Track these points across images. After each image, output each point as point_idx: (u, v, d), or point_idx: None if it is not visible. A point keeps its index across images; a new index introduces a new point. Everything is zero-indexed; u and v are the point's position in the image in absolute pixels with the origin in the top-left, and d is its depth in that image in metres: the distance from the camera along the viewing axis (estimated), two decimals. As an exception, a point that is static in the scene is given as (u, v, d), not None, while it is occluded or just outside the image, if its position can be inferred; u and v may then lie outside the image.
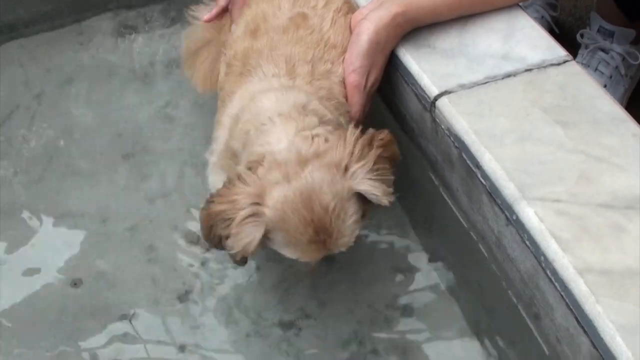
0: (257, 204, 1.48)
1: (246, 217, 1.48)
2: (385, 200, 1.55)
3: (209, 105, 2.32)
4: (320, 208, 1.48)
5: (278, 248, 1.56)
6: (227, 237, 1.51)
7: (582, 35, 2.66)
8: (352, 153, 1.52)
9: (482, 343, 1.81)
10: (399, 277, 1.97)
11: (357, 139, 1.54)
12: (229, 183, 1.55)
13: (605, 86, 2.55)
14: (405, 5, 1.73)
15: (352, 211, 1.52)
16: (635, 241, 1.40)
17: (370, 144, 1.55)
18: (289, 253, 1.55)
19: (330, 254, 1.57)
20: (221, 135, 1.75)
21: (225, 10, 2.01)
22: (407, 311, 1.91)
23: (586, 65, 2.60)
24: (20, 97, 2.44)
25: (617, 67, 2.58)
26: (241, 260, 1.58)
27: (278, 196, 1.48)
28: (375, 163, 1.54)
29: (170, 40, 2.57)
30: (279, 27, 1.76)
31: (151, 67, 2.51)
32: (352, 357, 1.83)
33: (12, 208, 2.14)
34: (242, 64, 1.76)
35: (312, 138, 1.54)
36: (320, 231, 1.49)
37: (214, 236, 1.55)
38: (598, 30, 2.60)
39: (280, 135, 1.55)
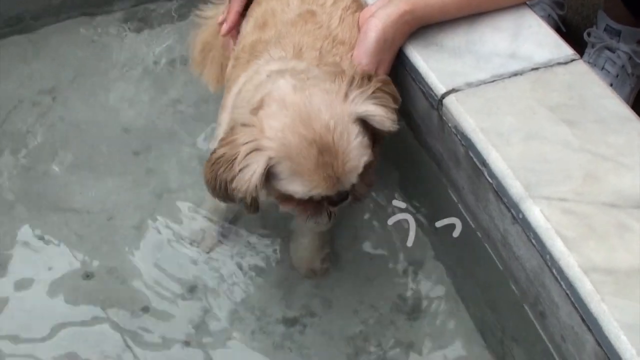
0: (251, 141, 1.45)
1: (248, 153, 1.44)
2: (389, 123, 1.52)
3: (217, 101, 2.32)
4: (321, 127, 1.44)
5: (286, 184, 1.48)
6: (232, 180, 1.46)
7: (589, 34, 2.66)
8: (351, 82, 1.50)
9: (486, 341, 1.82)
10: (405, 275, 1.98)
11: (355, 72, 1.53)
12: (231, 130, 1.52)
13: (611, 85, 2.55)
14: (413, 3, 1.73)
15: (355, 133, 1.48)
16: (640, 240, 1.40)
17: (369, 78, 1.54)
18: (298, 186, 1.48)
19: (342, 188, 1.50)
20: (225, 118, 1.75)
21: (242, 15, 1.98)
22: (413, 309, 1.92)
23: (593, 64, 2.60)
24: (27, 91, 2.44)
25: (623, 66, 2.58)
26: (253, 206, 1.51)
27: (276, 124, 1.45)
28: (375, 92, 1.52)
29: (180, 36, 2.56)
30: (287, 22, 1.77)
31: (160, 63, 2.51)
32: (357, 352, 1.84)
33: (18, 202, 2.15)
34: (249, 54, 1.76)
35: (308, 79, 1.54)
36: (324, 151, 1.44)
37: (219, 187, 1.49)
38: (605, 29, 2.59)
39: (277, 80, 1.53)
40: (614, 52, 2.59)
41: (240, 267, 2.01)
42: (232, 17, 1.95)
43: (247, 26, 1.88)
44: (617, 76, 2.59)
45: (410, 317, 1.91)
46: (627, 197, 1.47)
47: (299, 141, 1.44)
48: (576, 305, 1.38)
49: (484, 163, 1.57)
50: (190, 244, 2.06)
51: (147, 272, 2.00)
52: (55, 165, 2.24)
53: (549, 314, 1.51)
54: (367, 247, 2.03)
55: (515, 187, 1.51)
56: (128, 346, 1.88)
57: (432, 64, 1.74)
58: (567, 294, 1.40)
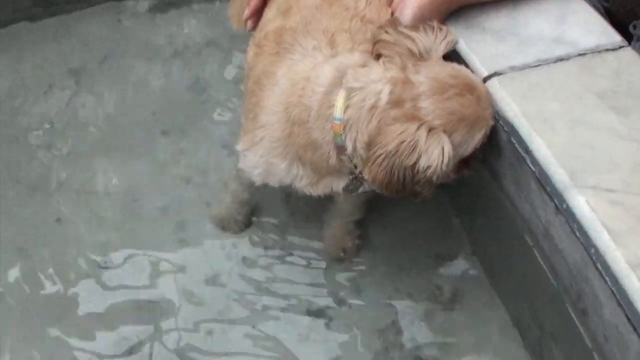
0: (423, 124, 1.47)
1: (428, 134, 1.47)
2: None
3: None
4: (451, 78, 1.52)
5: (467, 144, 1.53)
6: (414, 164, 1.47)
7: (634, 27, 2.57)
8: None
9: (524, 338, 1.79)
10: (441, 265, 1.95)
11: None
12: (382, 127, 1.51)
13: (656, 79, 2.47)
14: None
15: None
16: (693, 235, 1.33)
17: None
18: (478, 133, 1.53)
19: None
20: (272, 122, 1.67)
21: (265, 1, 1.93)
22: (450, 299, 1.89)
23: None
24: (57, 72, 2.43)
25: (669, 59, 2.50)
26: (434, 186, 1.53)
27: (427, 104, 1.49)
28: None
29: (210, 18, 2.54)
30: (312, 6, 1.72)
31: (189, 46, 2.49)
32: (387, 346, 1.81)
33: (44, 183, 2.14)
34: (275, 43, 1.71)
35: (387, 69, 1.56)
36: (472, 90, 1.52)
37: (398, 177, 1.49)
38: (651, 22, 2.51)
39: (374, 73, 1.54)
40: (659, 46, 2.50)
41: (266, 253, 1.98)
42: (255, 1, 1.91)
43: (270, 12, 1.83)
44: (663, 70, 2.50)
45: (446, 308, 1.88)
46: (678, 189, 1.40)
47: (453, 101, 1.49)
48: (622, 303, 1.32)
49: (527, 150, 1.51)
50: (216, 226, 2.03)
51: (170, 257, 1.98)
52: (81, 146, 2.22)
53: (592, 312, 1.44)
54: (399, 235, 1.99)
55: (559, 175, 1.44)
56: (150, 333, 1.85)
57: (474, 47, 1.68)
58: (612, 291, 1.34)
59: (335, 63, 1.61)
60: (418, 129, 1.46)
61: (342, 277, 1.93)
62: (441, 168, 1.47)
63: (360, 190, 1.70)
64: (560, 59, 1.65)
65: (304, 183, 1.70)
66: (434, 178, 1.48)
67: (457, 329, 1.84)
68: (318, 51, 1.65)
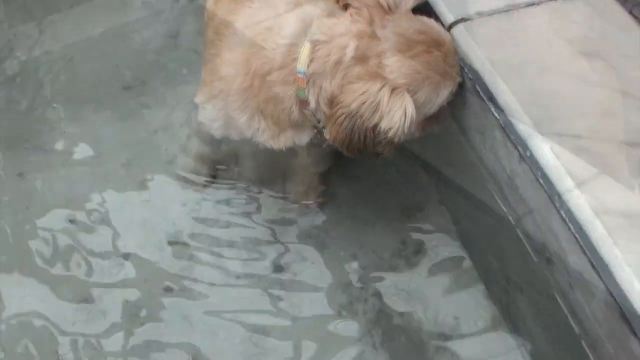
0: (385, 84, 1.45)
1: (390, 94, 1.44)
2: None
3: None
4: (418, 34, 1.49)
5: (432, 102, 1.51)
6: (375, 126, 1.45)
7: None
8: None
9: (489, 289, 1.76)
10: (407, 218, 1.91)
11: None
12: (345, 85, 1.50)
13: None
14: None
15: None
16: (660, 182, 1.30)
17: None
18: (444, 90, 1.51)
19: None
20: (232, 74, 1.63)
21: None
22: (415, 253, 1.86)
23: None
24: (20, 21, 2.37)
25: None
26: (395, 146, 1.51)
27: (392, 62, 1.46)
28: None
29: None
30: None
31: None
32: (352, 300, 1.78)
33: (4, 137, 2.09)
34: None
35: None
36: (439, 46, 1.49)
37: (359, 137, 1.48)
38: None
39: (341, 25, 1.51)
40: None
41: (229, 210, 1.94)
42: None
43: None
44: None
45: (410, 263, 1.84)
46: (648, 135, 1.36)
47: (419, 59, 1.47)
48: (586, 251, 1.29)
49: (491, 97, 1.47)
50: (179, 183, 1.99)
51: (132, 214, 1.93)
52: (41, 101, 2.17)
53: (556, 261, 1.42)
54: (364, 189, 1.96)
55: (524, 122, 1.41)
56: (107, 292, 1.82)
57: (440, -8, 1.64)
58: (576, 238, 1.31)
59: (300, 13, 1.57)
60: (381, 89, 1.44)
61: (306, 232, 1.90)
62: (402, 130, 1.45)
63: (325, 145, 1.66)
64: (531, 4, 1.61)
65: (265, 136, 1.67)
66: (395, 140, 1.47)
67: (423, 281, 1.81)
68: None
